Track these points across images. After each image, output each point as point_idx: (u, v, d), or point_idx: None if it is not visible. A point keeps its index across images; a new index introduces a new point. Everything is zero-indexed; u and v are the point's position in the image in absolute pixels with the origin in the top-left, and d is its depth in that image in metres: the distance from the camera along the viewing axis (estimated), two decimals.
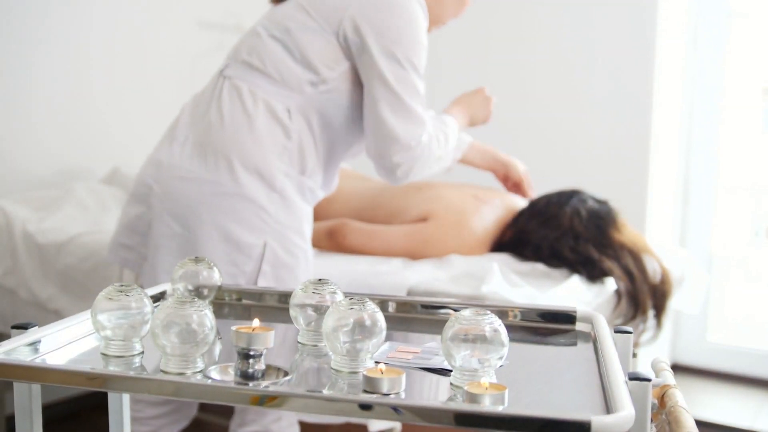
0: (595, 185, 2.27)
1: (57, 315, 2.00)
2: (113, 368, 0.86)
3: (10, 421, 2.23)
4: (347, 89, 1.60)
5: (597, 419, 0.66)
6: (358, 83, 1.61)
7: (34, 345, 0.89)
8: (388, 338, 0.95)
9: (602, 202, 2.05)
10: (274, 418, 1.63)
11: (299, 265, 1.59)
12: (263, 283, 1.55)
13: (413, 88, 1.57)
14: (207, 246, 1.52)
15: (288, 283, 1.57)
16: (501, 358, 0.82)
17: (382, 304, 1.11)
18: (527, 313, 1.09)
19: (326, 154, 1.66)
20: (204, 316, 0.83)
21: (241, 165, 1.53)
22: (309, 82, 1.58)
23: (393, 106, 1.55)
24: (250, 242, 1.53)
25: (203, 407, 2.38)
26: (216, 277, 1.11)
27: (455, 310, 1.08)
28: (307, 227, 1.63)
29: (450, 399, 0.80)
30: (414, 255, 1.99)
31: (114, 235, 1.67)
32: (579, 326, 1.06)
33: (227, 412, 2.31)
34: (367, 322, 0.85)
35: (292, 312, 0.97)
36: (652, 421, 0.85)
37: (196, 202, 1.52)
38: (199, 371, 0.83)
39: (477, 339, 0.81)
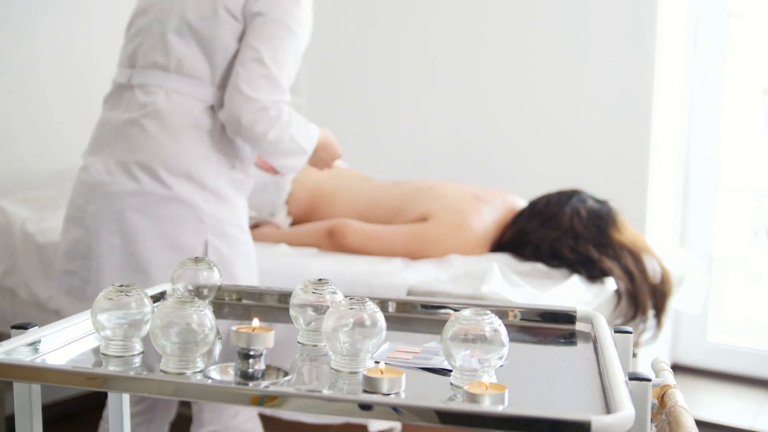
0: (595, 185, 2.26)
1: (57, 315, 2.00)
2: (113, 368, 0.86)
3: (10, 421, 2.23)
4: None
5: (597, 419, 0.66)
6: None
7: (34, 345, 0.89)
8: (388, 338, 0.95)
9: (602, 202, 2.05)
10: (231, 414, 1.63)
11: (242, 258, 1.62)
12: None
13: (284, 58, 1.58)
14: (150, 254, 1.54)
15: (234, 278, 1.59)
16: (501, 358, 0.82)
17: (382, 304, 1.11)
18: (527, 313, 1.09)
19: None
20: (204, 316, 0.83)
21: (167, 172, 1.54)
22: (222, 71, 1.59)
23: (261, 67, 1.55)
24: (192, 244, 1.55)
25: None
26: (216, 277, 1.11)
27: (455, 310, 1.08)
28: (245, 220, 1.66)
29: (450, 399, 0.80)
30: (414, 255, 1.99)
31: (58, 263, 1.66)
32: (579, 326, 1.06)
33: None
34: (367, 322, 0.85)
35: (292, 312, 0.97)
36: (652, 421, 0.85)
37: (133, 214, 1.54)
38: (199, 371, 0.83)
39: (477, 339, 0.81)
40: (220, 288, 1.14)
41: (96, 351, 0.92)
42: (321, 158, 1.83)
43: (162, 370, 0.83)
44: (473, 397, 0.74)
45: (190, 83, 1.59)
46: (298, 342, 0.97)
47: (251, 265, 1.66)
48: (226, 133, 1.61)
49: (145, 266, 1.53)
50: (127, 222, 1.54)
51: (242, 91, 1.54)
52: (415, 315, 1.12)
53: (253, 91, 1.55)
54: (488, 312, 0.84)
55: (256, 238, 2.19)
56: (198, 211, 1.56)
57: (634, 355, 1.01)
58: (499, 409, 0.72)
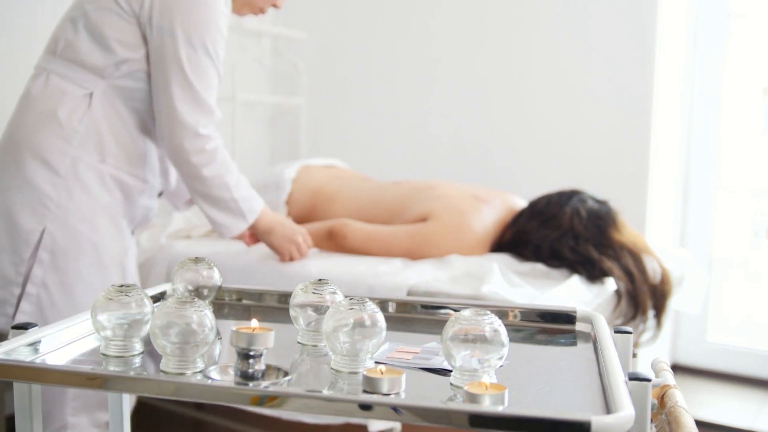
0: (595, 185, 2.26)
1: None
2: (113, 368, 0.86)
3: (10, 421, 2.23)
4: (149, 73, 1.61)
5: (597, 419, 0.66)
6: None
7: (34, 345, 0.89)
8: (388, 338, 0.95)
9: (602, 202, 2.05)
10: (56, 428, 1.53)
11: (84, 256, 1.55)
12: (39, 272, 1.52)
13: (205, 75, 1.59)
14: None
15: (69, 274, 1.53)
16: (501, 358, 0.82)
17: (382, 304, 1.11)
18: (527, 313, 1.09)
19: (143, 141, 1.65)
20: (204, 316, 0.83)
21: (29, 153, 1.53)
22: (111, 64, 1.57)
23: (184, 90, 1.57)
24: (29, 228, 1.51)
25: (203, 407, 2.38)
26: (216, 277, 1.11)
27: (455, 310, 1.08)
28: (104, 218, 1.59)
29: (450, 399, 0.80)
30: (414, 255, 1.99)
31: None
32: (579, 326, 1.06)
33: (227, 412, 2.31)
34: (367, 322, 0.85)
35: (292, 312, 0.97)
36: (652, 421, 0.85)
37: None
38: (199, 371, 0.83)
39: (477, 339, 0.81)
40: (220, 288, 1.14)
41: (96, 351, 0.92)
42: (283, 238, 1.81)
43: (162, 371, 0.83)
44: (473, 398, 0.74)
45: (73, 69, 1.57)
46: (298, 342, 0.97)
47: (99, 267, 1.57)
48: (102, 125, 1.58)
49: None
50: None
51: (180, 120, 1.57)
52: (415, 315, 1.12)
53: (188, 116, 1.57)
54: (488, 312, 0.84)
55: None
56: (44, 197, 1.52)
57: (634, 356, 1.01)
58: (499, 409, 0.72)
